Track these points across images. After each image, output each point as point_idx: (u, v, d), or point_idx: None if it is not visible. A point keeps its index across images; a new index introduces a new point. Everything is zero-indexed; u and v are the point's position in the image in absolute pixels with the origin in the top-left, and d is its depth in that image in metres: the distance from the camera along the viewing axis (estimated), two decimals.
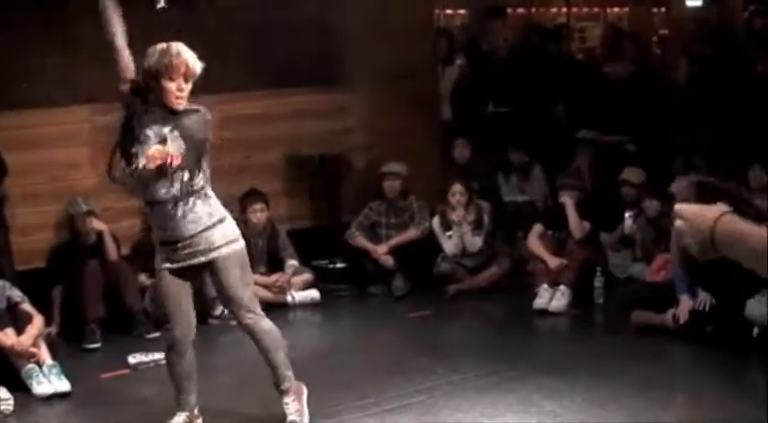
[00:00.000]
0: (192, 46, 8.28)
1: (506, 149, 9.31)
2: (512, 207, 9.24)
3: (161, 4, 8.17)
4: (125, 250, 8.10)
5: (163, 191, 4.95)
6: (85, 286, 7.58)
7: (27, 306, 7.07)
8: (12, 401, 6.25)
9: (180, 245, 5.05)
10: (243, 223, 8.42)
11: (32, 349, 6.69)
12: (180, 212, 4.98)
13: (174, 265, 5.10)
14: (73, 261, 7.77)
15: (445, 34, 10.64)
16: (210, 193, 5.13)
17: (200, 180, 5.01)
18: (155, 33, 8.52)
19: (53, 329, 7.75)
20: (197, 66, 4.92)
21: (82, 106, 8.24)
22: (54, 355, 6.74)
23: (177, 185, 4.94)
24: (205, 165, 5.07)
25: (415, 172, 8.92)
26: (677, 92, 9.05)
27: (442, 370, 6.33)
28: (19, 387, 6.47)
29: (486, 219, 8.60)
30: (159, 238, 5.14)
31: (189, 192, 4.97)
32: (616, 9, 15.23)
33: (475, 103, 9.74)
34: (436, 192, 8.92)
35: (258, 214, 8.42)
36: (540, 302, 7.72)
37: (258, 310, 5.32)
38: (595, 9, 15.09)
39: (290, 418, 5.36)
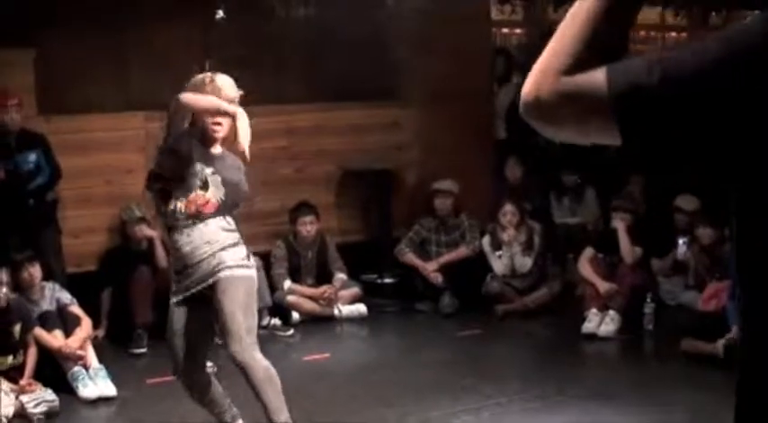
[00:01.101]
0: (251, 57, 8.36)
1: (559, 171, 9.21)
2: (563, 229, 9.14)
3: (220, 15, 8.20)
4: None
5: (189, 221, 4.90)
6: (135, 291, 7.58)
7: (76, 309, 7.10)
8: (57, 403, 6.26)
9: (191, 269, 4.89)
10: (292, 235, 8.43)
11: (79, 352, 6.71)
12: (197, 234, 4.90)
13: (185, 294, 4.93)
14: (123, 266, 7.78)
15: (503, 53, 10.58)
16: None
17: (229, 220, 4.97)
18: (215, 45, 8.67)
19: (101, 333, 7.78)
20: (234, 95, 4.82)
21: (136, 113, 8.28)
22: (100, 359, 6.77)
23: (207, 223, 4.90)
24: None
25: (467, 190, 8.85)
26: None
27: (488, 391, 6.24)
28: (65, 389, 6.49)
29: (536, 240, 8.51)
30: (174, 266, 5.03)
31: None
32: (674, 34, 15.06)
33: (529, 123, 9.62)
34: (487, 211, 8.83)
35: (308, 226, 8.40)
36: (589, 327, 7.60)
37: (253, 341, 4.86)
38: (652, 33, 14.93)
39: None
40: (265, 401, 4.82)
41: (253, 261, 5.05)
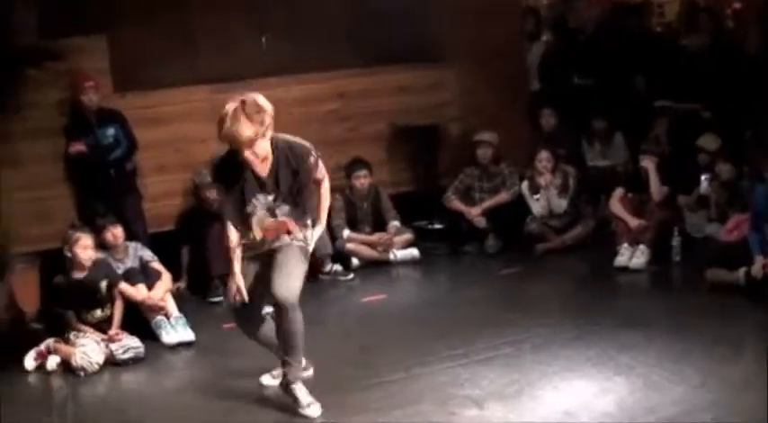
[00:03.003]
0: (304, 28, 8.26)
1: (590, 118, 9.03)
2: (595, 171, 8.96)
3: None
4: None
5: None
6: (210, 246, 7.57)
7: (157, 264, 7.14)
8: (143, 349, 6.33)
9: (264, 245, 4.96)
10: (349, 188, 8.38)
11: (161, 303, 6.77)
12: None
13: (255, 252, 4.95)
14: (199, 225, 7.79)
15: (532, 13, 10.37)
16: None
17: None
18: (271, 20, 8.59)
19: (182, 284, 7.83)
20: (246, 134, 4.55)
21: (202, 86, 8.23)
22: (180, 308, 6.81)
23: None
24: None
25: (506, 140, 8.75)
26: (749, 61, 8.60)
27: (528, 324, 6.14)
28: (149, 336, 6.55)
29: (571, 182, 8.36)
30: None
31: None
32: None
33: (561, 75, 9.44)
34: (525, 158, 8.69)
35: (362, 180, 8.37)
36: (620, 260, 7.45)
37: (296, 301, 4.84)
38: None
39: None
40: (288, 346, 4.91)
41: (311, 240, 5.02)
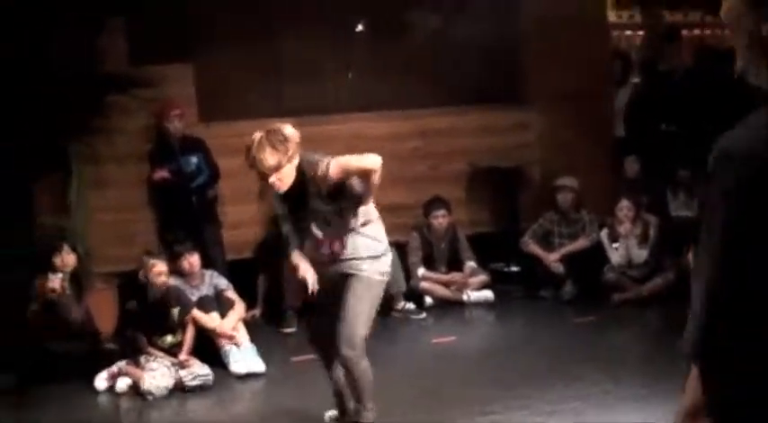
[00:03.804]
0: (387, 66, 8.28)
1: (675, 167, 8.82)
2: (678, 222, 8.74)
3: (360, 28, 8.15)
4: None
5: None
6: (286, 277, 7.56)
7: (231, 293, 7.16)
8: (211, 377, 6.34)
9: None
10: (426, 227, 8.33)
11: (232, 332, 6.77)
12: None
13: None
14: (276, 254, 7.78)
15: (621, 56, 10.21)
16: (365, 229, 4.85)
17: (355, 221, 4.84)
18: (356, 55, 8.64)
19: (257, 312, 7.85)
20: (269, 163, 4.55)
21: (285, 118, 8.26)
22: (253, 337, 6.80)
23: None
24: (368, 199, 4.82)
25: (587, 186, 8.58)
26: None
27: (598, 378, 5.96)
28: (219, 364, 6.55)
29: (652, 232, 8.17)
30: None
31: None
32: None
33: (647, 121, 9.26)
34: (606, 205, 8.52)
35: (440, 220, 8.30)
36: None
37: (360, 352, 4.77)
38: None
39: None
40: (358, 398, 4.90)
41: (388, 269, 4.94)
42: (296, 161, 4.66)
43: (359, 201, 4.76)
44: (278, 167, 4.57)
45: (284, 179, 4.64)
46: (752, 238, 1.40)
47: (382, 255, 4.87)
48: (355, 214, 4.78)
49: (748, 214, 1.39)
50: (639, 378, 6.00)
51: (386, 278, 4.91)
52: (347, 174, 4.66)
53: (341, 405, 5.09)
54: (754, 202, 1.39)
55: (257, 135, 4.63)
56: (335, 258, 4.81)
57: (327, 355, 4.99)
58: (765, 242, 1.38)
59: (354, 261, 4.80)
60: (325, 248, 4.81)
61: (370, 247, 4.81)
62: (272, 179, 4.62)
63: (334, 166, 4.62)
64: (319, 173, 4.61)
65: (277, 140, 4.58)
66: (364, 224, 4.82)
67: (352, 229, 4.78)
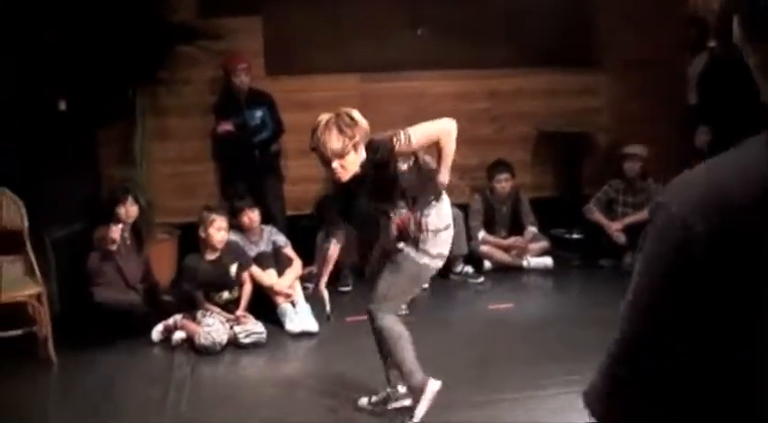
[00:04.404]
0: (457, 24, 8.11)
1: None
2: None
3: None
4: None
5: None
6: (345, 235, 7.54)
7: (289, 250, 7.16)
8: (265, 335, 6.34)
9: None
10: (489, 190, 8.23)
11: (288, 290, 6.77)
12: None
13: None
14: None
15: (698, 22, 9.87)
16: (436, 204, 4.71)
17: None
18: (424, 14, 8.48)
19: (314, 269, 7.81)
20: (334, 146, 4.41)
21: (353, 75, 8.21)
22: (307, 297, 6.77)
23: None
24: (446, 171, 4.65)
25: (655, 155, 8.35)
26: None
27: None
28: (274, 322, 6.56)
29: None
30: None
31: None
32: None
33: (722, 90, 8.98)
34: (673, 175, 8.26)
35: (503, 184, 8.19)
36: None
37: (381, 313, 4.75)
38: None
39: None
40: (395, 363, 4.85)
41: (439, 250, 4.74)
42: (361, 152, 4.51)
43: (434, 174, 4.62)
44: (342, 153, 4.42)
45: (347, 167, 4.48)
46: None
47: (443, 230, 4.73)
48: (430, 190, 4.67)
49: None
50: None
51: (436, 261, 4.75)
52: (429, 140, 4.50)
53: (386, 372, 5.03)
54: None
55: (324, 117, 4.51)
56: (406, 238, 4.70)
57: None
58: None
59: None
60: (405, 229, 4.69)
61: (431, 223, 4.69)
62: (334, 164, 4.46)
63: (414, 133, 4.45)
64: (403, 143, 4.42)
65: (344, 123, 4.44)
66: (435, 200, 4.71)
67: (429, 203, 4.67)
